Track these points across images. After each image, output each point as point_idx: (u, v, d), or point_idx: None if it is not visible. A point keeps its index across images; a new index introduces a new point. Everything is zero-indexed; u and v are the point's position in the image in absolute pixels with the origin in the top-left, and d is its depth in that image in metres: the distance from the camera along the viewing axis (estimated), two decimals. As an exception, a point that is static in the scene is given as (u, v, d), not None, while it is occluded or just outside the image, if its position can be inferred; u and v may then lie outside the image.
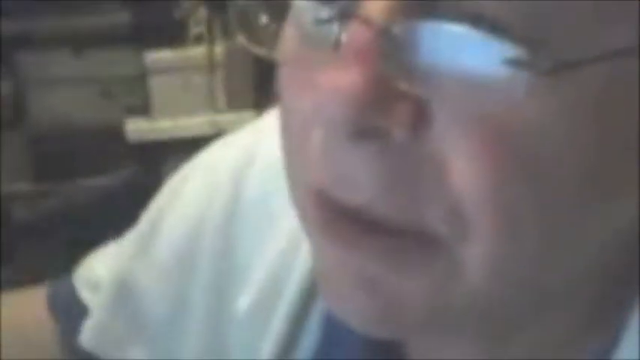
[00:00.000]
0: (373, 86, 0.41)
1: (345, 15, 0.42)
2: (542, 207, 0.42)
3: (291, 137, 0.46)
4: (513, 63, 0.39)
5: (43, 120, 1.98)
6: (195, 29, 1.95)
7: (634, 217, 0.45)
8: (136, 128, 1.98)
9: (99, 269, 0.68)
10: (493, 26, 0.39)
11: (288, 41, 0.46)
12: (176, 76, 1.95)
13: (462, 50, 0.40)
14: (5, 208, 1.90)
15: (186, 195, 0.65)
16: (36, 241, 1.82)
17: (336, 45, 0.42)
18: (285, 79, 0.46)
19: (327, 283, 0.46)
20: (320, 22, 0.43)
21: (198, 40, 1.95)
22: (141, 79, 1.97)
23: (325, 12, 0.43)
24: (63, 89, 1.98)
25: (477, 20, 0.40)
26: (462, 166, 0.41)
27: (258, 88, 1.92)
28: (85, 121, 1.99)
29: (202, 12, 1.95)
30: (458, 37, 0.40)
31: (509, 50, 0.39)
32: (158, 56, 1.96)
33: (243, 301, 0.60)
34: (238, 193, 0.62)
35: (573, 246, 0.44)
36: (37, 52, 1.97)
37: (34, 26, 1.94)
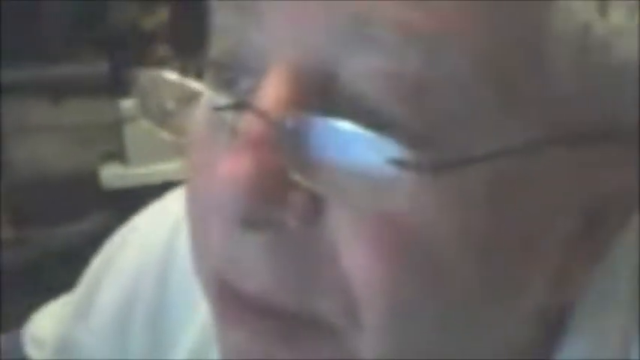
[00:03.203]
0: (265, 177, 0.41)
1: (241, 105, 0.42)
2: (435, 298, 0.42)
3: (194, 220, 0.46)
4: (397, 163, 0.40)
5: (22, 168, 2.00)
6: (169, 77, 1.96)
7: (548, 292, 0.45)
8: (111, 175, 2.00)
9: (44, 327, 0.68)
10: (383, 124, 0.40)
11: (195, 125, 0.46)
12: (151, 123, 1.95)
13: (350, 147, 0.40)
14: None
15: (121, 263, 0.64)
16: (14, 287, 1.82)
17: (232, 133, 0.42)
18: (191, 163, 0.46)
19: None
20: (217, 109, 0.44)
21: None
22: (117, 126, 1.98)
23: (222, 100, 0.43)
24: (41, 137, 2.00)
25: (369, 117, 0.40)
26: (355, 257, 0.41)
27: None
28: (62, 168, 2.01)
29: (177, 59, 1.98)
30: (346, 133, 0.40)
31: (393, 150, 0.39)
32: (134, 103, 1.95)
33: None
34: (170, 263, 0.62)
35: (479, 332, 0.44)
36: (17, 101, 1.98)
37: (13, 75, 1.95)
